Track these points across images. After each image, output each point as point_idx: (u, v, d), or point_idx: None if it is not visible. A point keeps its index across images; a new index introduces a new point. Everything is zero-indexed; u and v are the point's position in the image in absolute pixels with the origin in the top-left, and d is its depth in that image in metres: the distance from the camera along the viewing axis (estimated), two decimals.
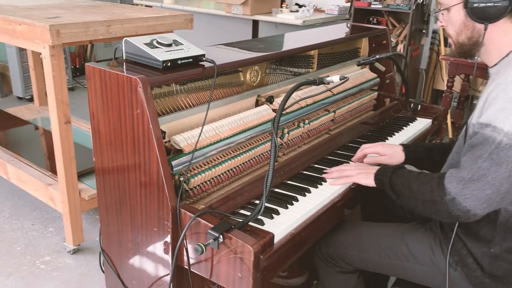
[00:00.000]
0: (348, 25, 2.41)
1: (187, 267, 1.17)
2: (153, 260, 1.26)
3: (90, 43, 1.99)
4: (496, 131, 1.05)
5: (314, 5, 4.45)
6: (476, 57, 1.23)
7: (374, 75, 2.22)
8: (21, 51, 4.20)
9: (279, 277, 1.85)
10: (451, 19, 1.22)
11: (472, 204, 1.08)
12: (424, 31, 3.75)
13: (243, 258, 1.05)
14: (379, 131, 1.96)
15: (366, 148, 1.55)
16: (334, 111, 1.89)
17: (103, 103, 1.21)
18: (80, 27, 1.83)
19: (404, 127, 2.00)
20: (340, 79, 1.40)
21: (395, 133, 1.93)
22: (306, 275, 1.94)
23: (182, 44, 1.30)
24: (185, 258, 1.16)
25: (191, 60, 1.26)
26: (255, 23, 4.29)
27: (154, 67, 1.20)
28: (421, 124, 2.05)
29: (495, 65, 1.20)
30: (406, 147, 1.57)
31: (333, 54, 2.05)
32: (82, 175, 2.26)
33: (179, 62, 1.23)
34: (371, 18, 3.79)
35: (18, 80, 4.41)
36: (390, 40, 2.25)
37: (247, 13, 3.91)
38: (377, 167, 1.36)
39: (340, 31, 2.22)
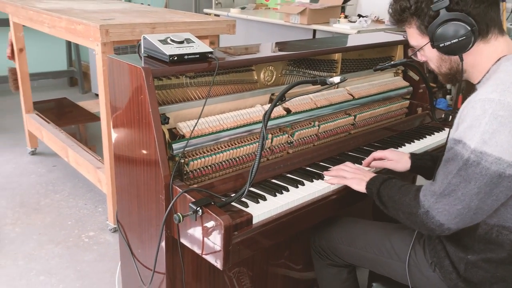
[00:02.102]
0: (385, 33, 2.44)
1: (178, 239, 1.32)
2: (152, 230, 1.42)
3: (137, 42, 2.22)
4: (465, 148, 1.06)
5: (375, 16, 4.45)
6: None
7: (406, 83, 2.23)
8: None
9: (294, 270, 1.93)
10: (428, 57, 1.25)
11: (444, 218, 1.10)
12: None
13: (216, 231, 1.17)
14: (400, 137, 1.98)
15: (375, 153, 1.61)
16: (355, 115, 1.94)
17: (119, 90, 1.40)
18: (127, 28, 2.07)
19: (427, 136, 2.00)
20: (340, 80, 1.48)
21: (415, 140, 1.94)
22: None
23: (194, 42, 1.45)
24: (176, 230, 1.31)
25: (198, 56, 1.41)
26: (315, 33, 4.38)
27: (163, 60, 1.37)
28: (445, 135, 2.02)
29: (479, 82, 1.21)
30: (413, 155, 1.60)
31: (361, 60, 2.10)
32: None
33: (185, 57, 1.38)
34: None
35: (96, 78, 4.88)
36: None
37: (304, 23, 4.02)
38: (372, 175, 1.41)
39: (373, 39, 2.26)
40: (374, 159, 1.61)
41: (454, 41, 1.13)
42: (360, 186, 1.40)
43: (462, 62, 1.17)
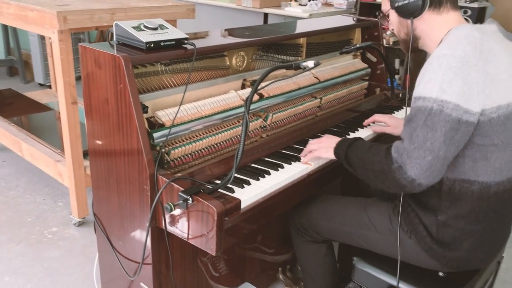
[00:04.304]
0: (344, 16, 2.51)
1: (164, 229, 1.31)
2: (135, 221, 1.40)
3: (96, 29, 2.14)
4: (426, 100, 1.16)
5: None
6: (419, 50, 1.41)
7: (365, 65, 2.31)
8: (43, 39, 4.41)
9: (267, 254, 1.98)
10: (391, 22, 1.44)
11: (416, 172, 1.17)
12: None
13: (208, 218, 1.18)
14: (363, 117, 2.06)
15: (377, 116, 1.83)
16: (321, 98, 1.99)
17: (93, 79, 1.35)
18: (86, 14, 1.99)
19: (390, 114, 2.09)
20: (314, 64, 1.52)
21: None
22: (292, 253, 2.06)
23: (168, 28, 1.43)
24: (163, 220, 1.30)
25: (173, 42, 1.39)
26: (266, 16, 4.40)
27: (139, 48, 1.33)
28: (404, 113, 2.13)
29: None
30: None
31: (323, 43, 2.15)
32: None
33: (162, 44, 1.36)
34: (377, 13, 3.85)
35: (40, 67, 4.63)
36: (381, 31, 2.34)
37: (256, 6, 4.03)
38: (338, 139, 1.48)
39: (333, 22, 2.31)
40: (374, 121, 1.84)
41: (405, 2, 1.30)
42: (328, 153, 1.47)
43: (412, 25, 1.34)
